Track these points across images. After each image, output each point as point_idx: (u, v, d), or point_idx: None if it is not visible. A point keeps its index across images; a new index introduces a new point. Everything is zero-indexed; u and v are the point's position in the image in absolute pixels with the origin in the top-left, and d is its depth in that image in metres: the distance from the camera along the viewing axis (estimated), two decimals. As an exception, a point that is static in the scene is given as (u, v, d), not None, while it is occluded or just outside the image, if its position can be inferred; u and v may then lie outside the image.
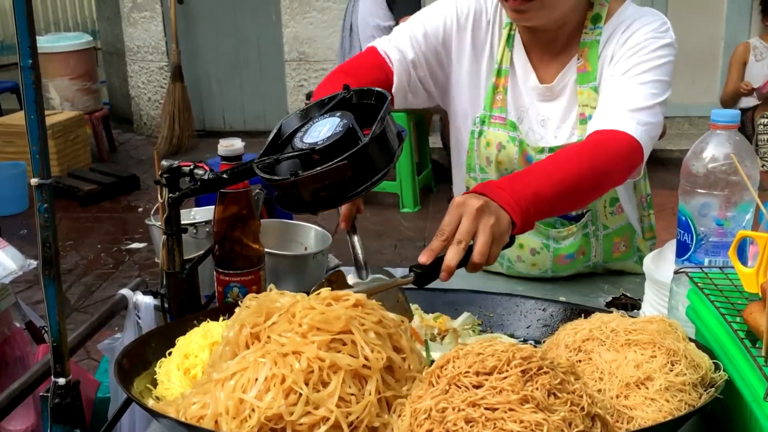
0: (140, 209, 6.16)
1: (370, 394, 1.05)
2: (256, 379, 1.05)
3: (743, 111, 5.53)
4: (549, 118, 1.79)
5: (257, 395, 1.04)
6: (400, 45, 1.82)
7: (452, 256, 1.30)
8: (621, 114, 1.61)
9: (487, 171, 1.84)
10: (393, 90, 1.80)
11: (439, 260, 1.31)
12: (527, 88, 1.81)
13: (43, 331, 2.40)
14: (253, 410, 1.03)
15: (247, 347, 1.12)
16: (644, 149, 1.62)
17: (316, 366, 1.05)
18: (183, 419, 1.09)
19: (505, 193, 1.39)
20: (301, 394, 1.03)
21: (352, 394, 1.05)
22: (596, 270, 1.96)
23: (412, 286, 1.34)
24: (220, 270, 1.59)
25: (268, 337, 1.11)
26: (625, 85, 1.66)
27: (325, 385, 1.05)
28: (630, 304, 1.78)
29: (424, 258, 1.30)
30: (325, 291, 1.18)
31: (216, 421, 1.06)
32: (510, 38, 1.81)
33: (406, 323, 1.20)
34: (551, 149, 1.75)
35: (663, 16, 1.76)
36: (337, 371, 1.05)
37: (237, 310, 1.20)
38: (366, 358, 1.07)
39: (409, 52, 1.81)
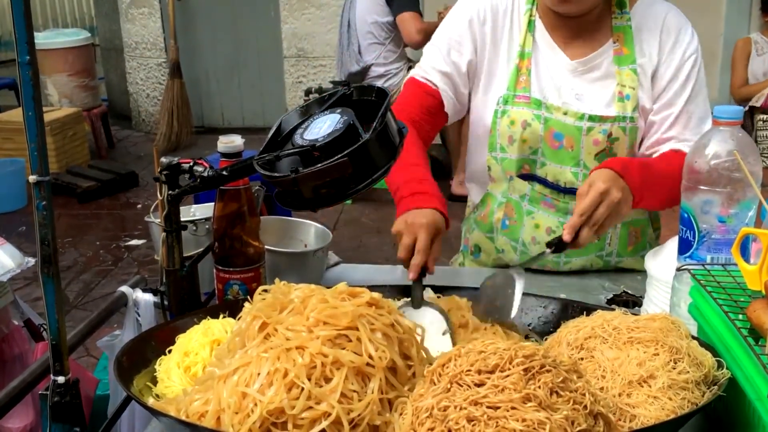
0: (139, 206, 6.15)
1: (372, 392, 1.05)
2: (259, 374, 1.05)
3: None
4: (583, 93, 1.87)
5: (260, 389, 1.04)
6: (434, 65, 1.94)
7: (586, 238, 1.57)
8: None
9: (507, 150, 1.90)
10: (446, 108, 1.94)
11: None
12: (558, 66, 1.89)
13: (42, 328, 2.39)
14: (255, 405, 1.03)
15: (255, 340, 1.12)
16: None
17: (318, 361, 1.05)
18: (184, 417, 1.09)
19: (636, 178, 1.64)
20: (303, 389, 1.03)
21: (355, 391, 1.05)
22: (607, 267, 1.97)
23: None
24: (220, 267, 1.59)
25: (275, 329, 1.11)
26: (690, 114, 1.88)
27: (328, 380, 1.05)
28: (631, 301, 1.78)
29: (568, 237, 1.56)
30: (342, 285, 1.18)
31: (218, 418, 1.06)
32: (531, 23, 1.89)
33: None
34: (591, 117, 1.84)
35: (681, 12, 1.90)
36: (340, 367, 1.05)
37: (246, 305, 1.20)
38: (370, 357, 1.07)
39: (445, 67, 1.92)
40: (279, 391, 1.03)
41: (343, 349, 1.07)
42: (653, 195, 1.74)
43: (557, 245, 1.58)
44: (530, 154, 1.88)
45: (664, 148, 1.86)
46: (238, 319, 1.19)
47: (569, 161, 1.86)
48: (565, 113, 1.85)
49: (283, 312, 1.13)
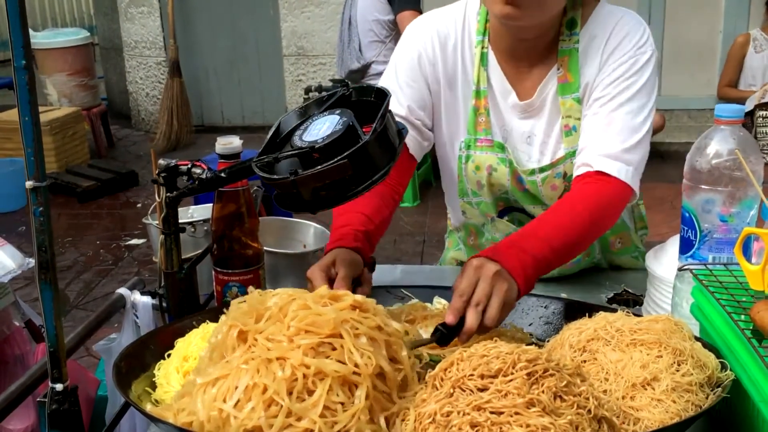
0: (139, 205, 6.15)
1: (359, 402, 1.01)
2: (237, 387, 1.01)
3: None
4: (534, 134, 1.75)
5: (237, 405, 1.00)
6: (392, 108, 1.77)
7: (472, 321, 1.33)
8: (612, 154, 1.61)
9: (479, 194, 1.81)
10: (411, 151, 1.78)
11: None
12: (507, 106, 1.76)
13: (43, 329, 2.38)
14: (232, 420, 0.99)
15: (235, 351, 1.08)
16: (635, 190, 1.64)
17: (300, 373, 1.00)
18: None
19: (513, 259, 1.42)
20: (282, 406, 0.99)
21: (341, 403, 1.00)
22: (601, 264, 1.96)
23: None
24: (219, 269, 1.58)
25: (255, 339, 1.07)
26: (613, 120, 1.64)
27: (311, 393, 1.00)
28: (632, 300, 1.77)
29: (451, 318, 1.33)
30: (324, 289, 1.16)
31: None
32: (483, 57, 1.75)
33: (411, 335, 1.17)
34: (541, 169, 1.73)
35: (639, 18, 1.72)
36: (323, 378, 1.01)
37: (225, 312, 1.17)
38: (355, 365, 1.02)
39: (401, 110, 1.75)
40: (257, 408, 0.99)
41: (327, 357, 1.03)
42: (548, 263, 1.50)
43: (443, 335, 1.33)
44: (502, 194, 1.80)
45: (577, 162, 1.67)
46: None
47: (537, 202, 1.78)
48: (518, 165, 1.74)
49: (261, 321, 1.09)
